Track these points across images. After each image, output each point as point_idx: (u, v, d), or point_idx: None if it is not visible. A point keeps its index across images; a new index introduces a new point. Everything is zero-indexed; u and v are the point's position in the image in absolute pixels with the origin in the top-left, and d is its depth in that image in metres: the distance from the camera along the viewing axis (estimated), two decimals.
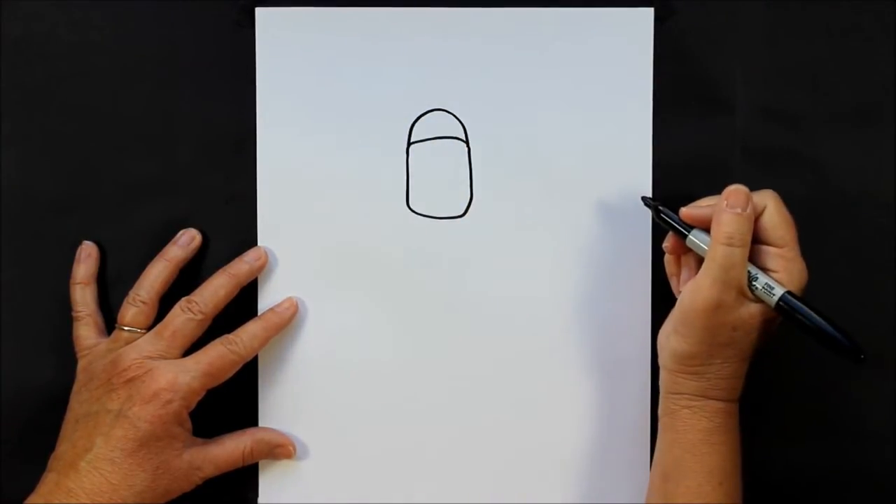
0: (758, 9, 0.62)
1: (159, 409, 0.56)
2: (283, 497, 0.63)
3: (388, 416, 0.63)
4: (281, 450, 0.62)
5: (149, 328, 0.59)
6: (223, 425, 0.61)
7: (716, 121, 0.62)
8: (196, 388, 0.57)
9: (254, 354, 0.60)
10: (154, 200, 0.62)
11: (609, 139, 0.62)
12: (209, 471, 0.59)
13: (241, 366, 0.59)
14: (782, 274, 0.55)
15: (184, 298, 0.59)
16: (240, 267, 0.61)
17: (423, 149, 0.62)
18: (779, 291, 0.54)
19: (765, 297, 0.54)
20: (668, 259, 0.60)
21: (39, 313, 0.62)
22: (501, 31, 0.62)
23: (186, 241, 0.62)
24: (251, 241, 0.62)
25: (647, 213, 0.61)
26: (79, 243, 0.62)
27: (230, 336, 0.59)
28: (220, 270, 0.61)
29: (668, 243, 0.59)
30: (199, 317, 0.59)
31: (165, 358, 0.58)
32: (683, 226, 0.57)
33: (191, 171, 0.62)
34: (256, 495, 0.63)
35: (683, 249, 0.58)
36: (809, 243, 0.56)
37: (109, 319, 0.61)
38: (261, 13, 0.62)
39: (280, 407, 0.63)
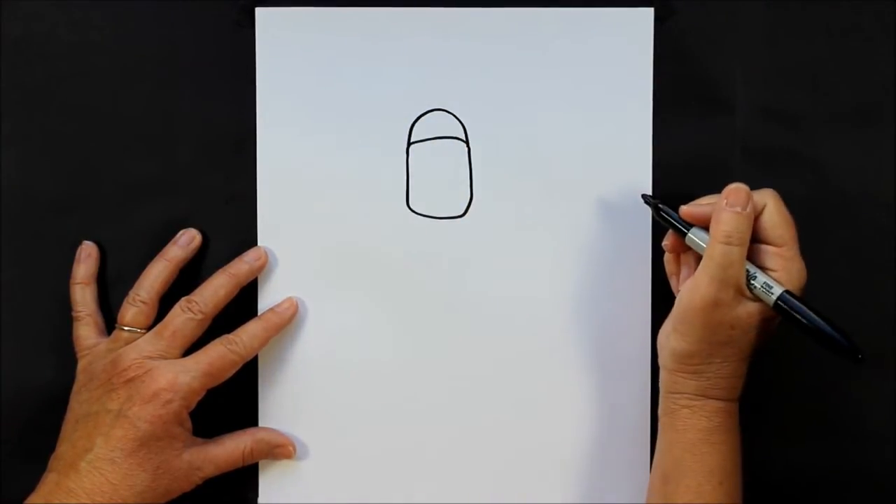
0: (758, 9, 0.62)
1: (159, 409, 0.56)
2: (283, 497, 0.63)
3: (388, 416, 0.63)
4: (281, 450, 0.62)
5: (149, 328, 0.59)
6: (223, 425, 0.61)
7: (716, 121, 0.62)
8: (196, 388, 0.57)
9: (254, 354, 0.60)
10: (154, 200, 0.62)
11: (609, 139, 0.62)
12: (209, 471, 0.59)
13: (241, 366, 0.59)
14: (781, 273, 0.55)
15: (184, 298, 0.59)
16: (240, 267, 0.61)
17: (423, 149, 0.62)
18: (777, 290, 0.54)
19: (763, 296, 0.54)
20: (668, 258, 0.60)
21: (39, 313, 0.62)
22: (501, 31, 0.62)
23: (186, 241, 0.62)
24: (251, 241, 0.62)
25: (648, 214, 0.61)
26: (79, 243, 0.62)
27: (230, 336, 0.59)
28: (220, 270, 0.61)
29: (667, 241, 0.59)
30: (199, 317, 0.59)
31: (165, 358, 0.58)
32: (683, 224, 0.57)
33: (191, 171, 0.62)
34: (256, 495, 0.63)
35: (683, 248, 0.58)
36: (809, 243, 0.56)
37: (109, 319, 0.61)
38: (261, 13, 0.62)
39: (280, 407, 0.63)
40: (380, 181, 0.62)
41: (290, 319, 0.62)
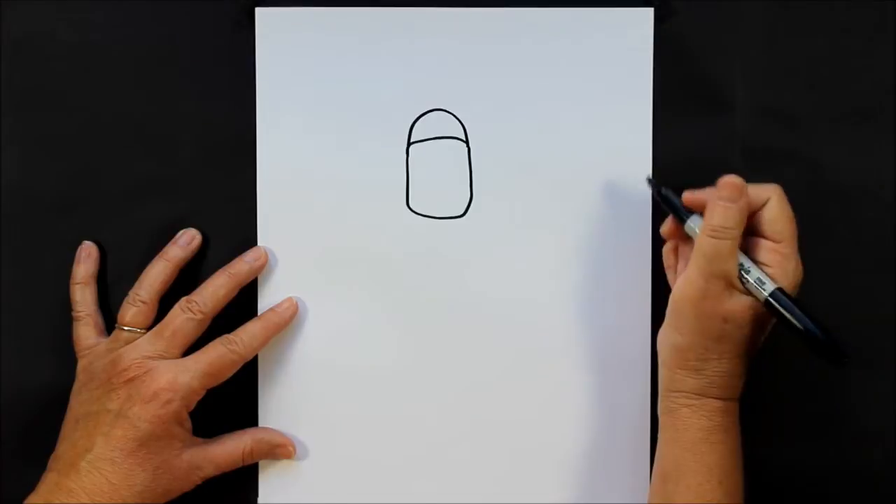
0: (758, 9, 0.62)
1: (159, 408, 0.56)
2: (283, 497, 0.63)
3: (388, 416, 0.63)
4: (281, 450, 0.62)
5: (149, 328, 0.59)
6: (223, 425, 0.61)
7: (716, 121, 0.62)
8: (196, 388, 0.57)
9: (254, 354, 0.60)
10: (154, 200, 0.62)
11: (609, 139, 0.62)
12: (209, 470, 0.59)
13: (241, 366, 0.59)
14: (776, 269, 0.55)
15: (184, 298, 0.59)
16: (240, 267, 0.61)
17: (423, 149, 0.62)
18: (769, 287, 0.54)
19: (755, 291, 0.54)
20: (666, 251, 0.60)
21: (39, 313, 0.62)
22: (501, 31, 0.62)
23: (186, 241, 0.62)
24: (251, 241, 0.62)
25: (648, 214, 0.61)
26: (79, 243, 0.62)
27: (230, 336, 0.59)
28: (220, 270, 0.61)
29: (665, 227, 0.59)
30: (199, 317, 0.59)
31: (165, 358, 0.58)
32: (684, 211, 0.57)
33: (191, 171, 0.62)
34: (256, 495, 0.63)
35: (681, 235, 0.58)
36: (808, 242, 0.56)
37: (109, 319, 0.61)
38: (261, 13, 0.62)
39: (280, 407, 0.63)
40: (380, 181, 0.62)
41: (290, 319, 0.62)
